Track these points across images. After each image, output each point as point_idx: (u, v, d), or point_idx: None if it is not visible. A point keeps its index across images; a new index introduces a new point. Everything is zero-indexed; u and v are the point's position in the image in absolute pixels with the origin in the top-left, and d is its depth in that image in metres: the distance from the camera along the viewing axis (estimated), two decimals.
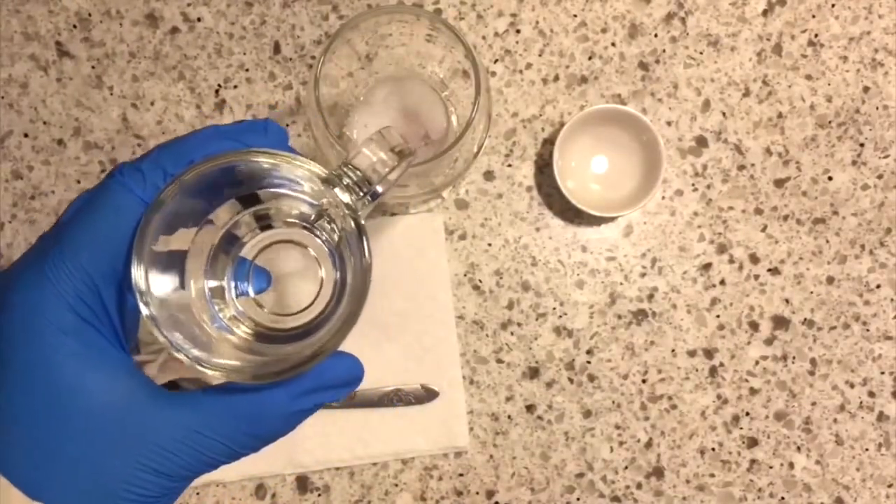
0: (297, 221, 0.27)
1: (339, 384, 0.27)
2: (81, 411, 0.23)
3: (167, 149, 0.25)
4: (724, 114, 0.55)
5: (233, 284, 0.26)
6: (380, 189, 0.26)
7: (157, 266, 0.24)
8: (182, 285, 0.25)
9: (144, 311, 0.23)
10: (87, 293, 0.24)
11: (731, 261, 0.55)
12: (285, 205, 0.27)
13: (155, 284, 0.24)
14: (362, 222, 0.25)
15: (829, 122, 0.55)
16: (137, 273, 0.23)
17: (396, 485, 0.54)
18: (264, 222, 0.27)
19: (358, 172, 0.26)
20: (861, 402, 0.55)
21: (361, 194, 0.25)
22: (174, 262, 0.25)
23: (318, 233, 0.27)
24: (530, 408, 0.54)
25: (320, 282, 0.27)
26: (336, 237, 0.26)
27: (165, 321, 0.24)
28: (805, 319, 0.55)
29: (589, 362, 0.55)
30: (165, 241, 0.24)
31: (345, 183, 0.25)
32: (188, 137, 0.26)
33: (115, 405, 0.23)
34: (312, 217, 0.26)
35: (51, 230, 0.25)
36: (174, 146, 0.25)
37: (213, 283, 0.26)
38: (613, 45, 0.55)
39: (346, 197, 0.25)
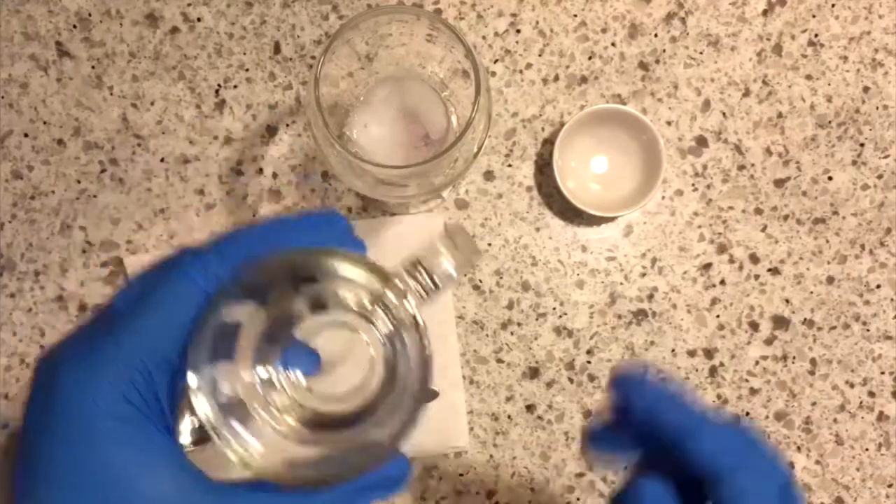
0: (350, 306, 0.27)
1: (387, 485, 0.26)
2: (130, 502, 0.23)
3: (232, 240, 0.25)
4: (724, 114, 0.55)
5: (281, 368, 0.26)
6: (443, 288, 0.26)
7: (213, 358, 0.24)
8: (235, 374, 0.25)
9: (198, 410, 0.23)
10: (141, 382, 0.24)
11: (731, 261, 0.55)
12: (341, 288, 0.26)
13: (208, 378, 0.24)
14: (421, 319, 0.25)
15: (829, 122, 0.55)
16: (193, 372, 0.23)
17: None
18: (317, 304, 0.27)
19: (423, 273, 0.26)
20: (861, 402, 0.55)
21: (426, 296, 0.26)
22: (229, 349, 0.25)
23: (371, 318, 0.27)
24: (530, 408, 0.54)
25: (369, 366, 0.27)
26: (390, 324, 0.26)
27: (218, 415, 0.23)
28: (805, 319, 0.55)
29: (589, 362, 0.55)
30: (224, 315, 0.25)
31: (409, 284, 0.26)
32: (253, 230, 0.26)
33: (164, 498, 0.23)
34: (367, 305, 0.26)
35: (106, 311, 0.25)
36: (239, 238, 0.26)
37: (262, 368, 0.26)
38: (613, 45, 0.55)
39: (406, 289, 0.25)
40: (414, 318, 0.25)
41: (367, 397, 0.26)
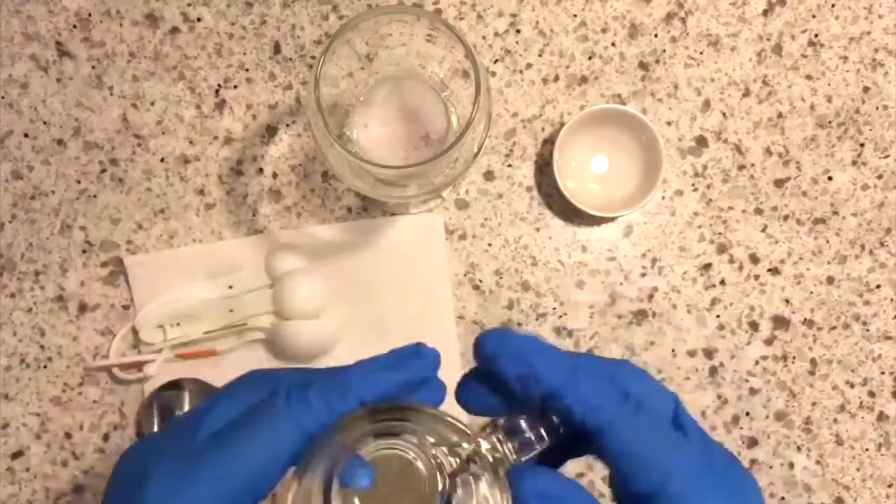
0: (421, 440, 0.27)
1: None
2: None
3: (333, 381, 0.26)
4: (724, 114, 0.55)
5: (338, 486, 0.27)
6: (523, 459, 0.27)
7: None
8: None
9: None
10: None
11: (731, 261, 0.55)
12: (416, 428, 0.27)
13: None
14: (500, 468, 0.25)
15: (829, 122, 0.55)
16: None
17: None
18: (385, 433, 0.27)
19: (510, 446, 0.26)
20: (861, 402, 0.55)
21: (511, 458, 0.26)
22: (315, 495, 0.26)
23: (432, 453, 0.27)
24: None
25: (423, 494, 0.27)
26: (453, 463, 0.27)
27: None
28: (805, 319, 0.55)
29: None
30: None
31: (495, 455, 0.26)
32: (352, 371, 0.27)
33: None
34: (434, 442, 0.27)
35: (204, 421, 0.26)
36: (340, 380, 0.27)
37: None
38: (613, 45, 0.55)
39: (492, 451, 0.26)
40: (492, 464, 0.26)
41: None
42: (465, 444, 0.26)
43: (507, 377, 0.26)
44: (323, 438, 0.25)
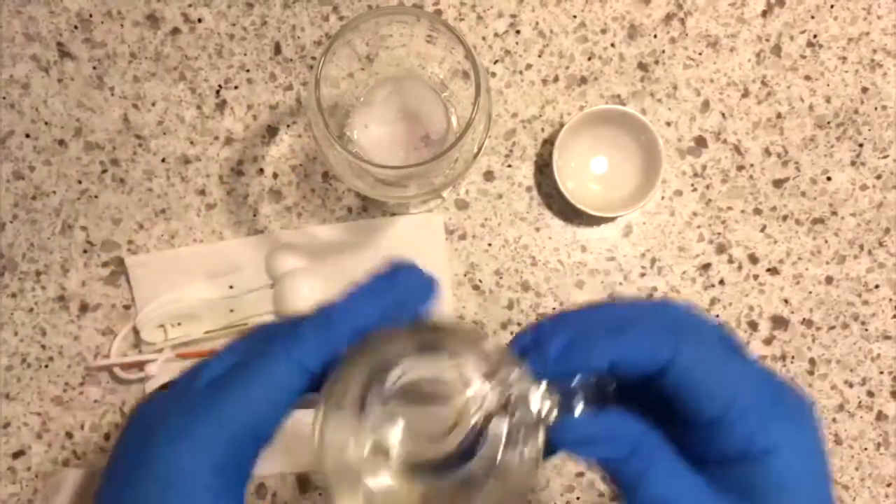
0: (456, 361, 0.27)
1: None
2: None
3: (322, 314, 0.26)
4: (723, 114, 0.55)
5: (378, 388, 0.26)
6: (571, 414, 0.26)
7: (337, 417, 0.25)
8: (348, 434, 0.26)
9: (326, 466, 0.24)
10: (234, 454, 0.25)
11: (731, 261, 0.55)
12: (456, 351, 0.27)
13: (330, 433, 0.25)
14: (539, 443, 0.25)
15: (828, 122, 0.55)
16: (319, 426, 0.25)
17: None
18: (424, 348, 0.27)
19: (560, 404, 0.26)
20: (860, 402, 0.55)
21: (553, 416, 0.26)
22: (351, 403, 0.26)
23: (478, 383, 0.26)
24: None
25: (460, 410, 0.26)
26: (495, 401, 0.26)
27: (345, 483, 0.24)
28: (804, 319, 0.55)
29: None
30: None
31: (547, 410, 0.25)
32: (339, 303, 0.27)
33: None
34: (477, 370, 0.26)
35: (200, 375, 0.26)
36: (328, 312, 0.26)
37: (368, 423, 0.26)
38: (613, 45, 0.56)
39: (538, 401, 0.25)
40: (536, 416, 0.25)
41: (458, 443, 0.26)
42: (511, 380, 0.25)
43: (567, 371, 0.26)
44: (356, 352, 0.25)
